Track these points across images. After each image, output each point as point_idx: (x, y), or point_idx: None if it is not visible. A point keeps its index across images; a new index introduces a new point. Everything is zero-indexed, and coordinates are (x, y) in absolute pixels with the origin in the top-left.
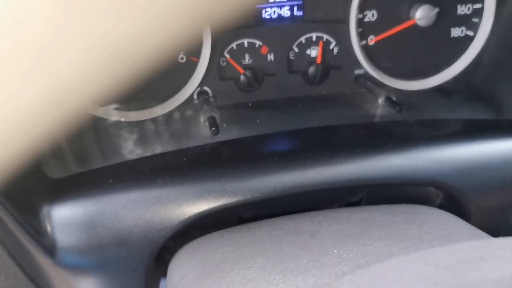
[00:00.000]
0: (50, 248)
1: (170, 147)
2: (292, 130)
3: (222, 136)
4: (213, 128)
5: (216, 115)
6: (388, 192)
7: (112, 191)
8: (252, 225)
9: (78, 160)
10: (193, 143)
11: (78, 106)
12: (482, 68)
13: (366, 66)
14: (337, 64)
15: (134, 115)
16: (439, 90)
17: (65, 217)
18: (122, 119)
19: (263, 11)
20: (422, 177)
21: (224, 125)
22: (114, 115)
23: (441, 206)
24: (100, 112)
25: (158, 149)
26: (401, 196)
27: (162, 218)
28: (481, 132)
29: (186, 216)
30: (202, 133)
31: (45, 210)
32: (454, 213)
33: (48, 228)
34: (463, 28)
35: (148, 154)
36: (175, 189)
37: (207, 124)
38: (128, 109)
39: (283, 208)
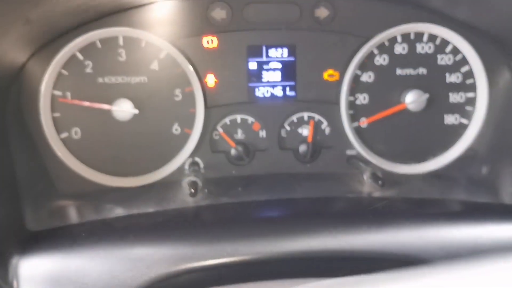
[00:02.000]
0: None
1: (151, 208)
2: (273, 200)
3: (202, 201)
4: (192, 191)
5: (198, 180)
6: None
7: (83, 244)
8: None
9: (58, 215)
10: (172, 206)
11: None
12: (479, 155)
13: (358, 147)
14: (328, 144)
15: (127, 182)
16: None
17: (32, 269)
18: (115, 185)
19: (256, 89)
20: (402, 253)
21: (206, 190)
22: (108, 181)
23: None
24: (94, 177)
25: (138, 209)
26: None
27: (128, 275)
28: (472, 214)
29: (153, 276)
30: (183, 198)
31: (14, 260)
32: None
33: (15, 280)
34: (457, 115)
35: (127, 213)
36: (145, 248)
37: (188, 187)
38: (121, 175)
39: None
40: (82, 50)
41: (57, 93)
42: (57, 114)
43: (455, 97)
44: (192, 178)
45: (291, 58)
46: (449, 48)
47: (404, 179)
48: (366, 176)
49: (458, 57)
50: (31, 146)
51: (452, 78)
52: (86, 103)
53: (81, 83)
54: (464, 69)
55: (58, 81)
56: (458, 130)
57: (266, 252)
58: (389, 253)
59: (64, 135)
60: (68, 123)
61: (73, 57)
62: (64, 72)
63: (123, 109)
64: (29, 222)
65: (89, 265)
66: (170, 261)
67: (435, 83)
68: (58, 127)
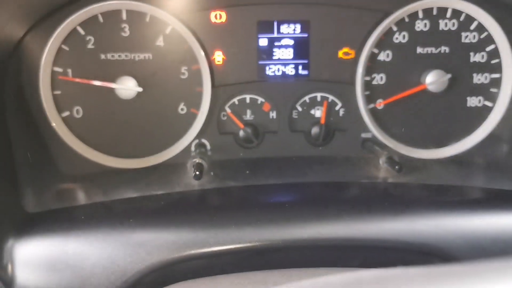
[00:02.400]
0: (8, 284)
1: (154, 191)
2: (283, 184)
3: (208, 185)
4: (197, 173)
5: (204, 162)
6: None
7: (81, 228)
8: (218, 278)
9: (59, 197)
10: (177, 189)
11: None
12: (503, 140)
13: (374, 130)
14: (342, 126)
15: (130, 163)
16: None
17: (28, 252)
18: (117, 167)
19: (267, 67)
20: (418, 242)
21: (212, 173)
22: (111, 162)
23: None
24: (97, 158)
25: (141, 192)
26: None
27: (128, 261)
28: (495, 202)
29: (154, 262)
30: (188, 181)
31: (9, 243)
32: None
33: (9, 263)
34: (481, 97)
35: (130, 196)
36: (146, 233)
37: (192, 169)
38: (125, 156)
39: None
40: (83, 24)
41: (58, 69)
42: (57, 92)
43: (479, 78)
44: (197, 160)
45: (304, 35)
46: (474, 25)
47: (422, 164)
48: (381, 161)
49: (483, 35)
50: (31, 125)
51: (477, 57)
52: (87, 81)
53: (83, 59)
54: (490, 48)
55: (58, 57)
56: (481, 113)
57: (274, 240)
58: (405, 243)
59: (66, 113)
60: (69, 101)
61: (73, 32)
62: (65, 47)
63: (127, 87)
64: (28, 203)
65: (87, 249)
66: (172, 247)
67: (458, 63)
68: (59, 105)
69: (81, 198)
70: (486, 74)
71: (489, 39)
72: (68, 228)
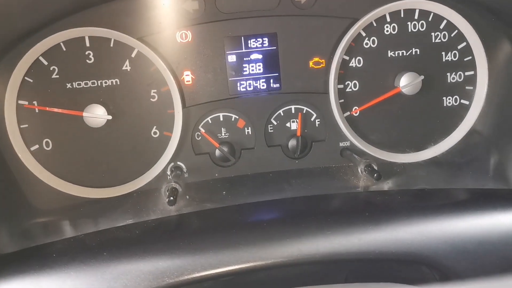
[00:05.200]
0: None
1: (129, 220)
2: (261, 202)
3: (184, 209)
4: (171, 198)
5: (178, 186)
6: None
7: (52, 266)
8: None
9: (31, 234)
10: (152, 216)
11: None
12: (483, 138)
13: (351, 138)
14: (319, 137)
15: (106, 192)
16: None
17: None
18: (93, 197)
19: (238, 83)
20: (403, 251)
21: (187, 197)
22: (85, 193)
23: None
24: (70, 190)
25: (116, 222)
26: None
27: None
28: (479, 203)
29: None
30: (164, 206)
31: None
32: None
33: None
34: (456, 96)
35: (103, 228)
36: (121, 265)
37: (167, 194)
38: (99, 186)
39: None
40: (46, 54)
41: (23, 102)
42: (24, 126)
43: (453, 77)
44: (172, 184)
45: (273, 48)
46: (443, 24)
47: (402, 169)
48: (360, 169)
49: (454, 33)
50: (0, 162)
51: (449, 56)
52: (54, 110)
53: (48, 90)
54: (461, 45)
55: (23, 90)
56: (458, 112)
57: (254, 261)
58: (389, 253)
59: (35, 147)
60: (37, 134)
61: (36, 63)
62: (28, 79)
63: (95, 115)
64: (0, 244)
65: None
66: (149, 277)
67: (430, 63)
68: (27, 139)
69: (55, 233)
70: (460, 72)
71: (460, 37)
72: (40, 267)
